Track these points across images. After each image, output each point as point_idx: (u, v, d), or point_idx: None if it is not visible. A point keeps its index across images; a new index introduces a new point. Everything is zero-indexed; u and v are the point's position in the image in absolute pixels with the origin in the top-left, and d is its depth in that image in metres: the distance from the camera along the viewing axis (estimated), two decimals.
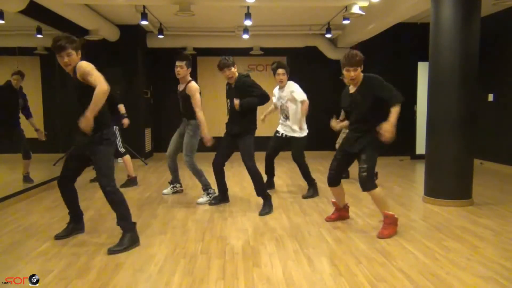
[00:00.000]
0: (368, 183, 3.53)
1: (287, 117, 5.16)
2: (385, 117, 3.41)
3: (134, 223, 3.43)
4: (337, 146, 6.18)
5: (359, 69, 3.54)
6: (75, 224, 3.66)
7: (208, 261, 3.00)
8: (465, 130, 4.56)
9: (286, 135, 5.19)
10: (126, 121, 5.95)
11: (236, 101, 4.35)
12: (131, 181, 5.93)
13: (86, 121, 3.02)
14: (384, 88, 3.50)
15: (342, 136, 6.06)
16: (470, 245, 3.32)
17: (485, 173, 6.61)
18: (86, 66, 3.15)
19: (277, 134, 5.30)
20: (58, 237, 3.54)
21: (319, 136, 9.19)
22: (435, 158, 4.68)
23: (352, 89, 3.68)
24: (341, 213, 4.08)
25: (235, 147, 4.53)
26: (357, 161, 3.69)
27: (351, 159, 3.83)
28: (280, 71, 5.13)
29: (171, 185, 5.42)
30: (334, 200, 4.06)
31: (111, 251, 3.18)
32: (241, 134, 4.41)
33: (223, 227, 3.88)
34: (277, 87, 5.29)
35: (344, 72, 3.58)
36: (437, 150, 4.66)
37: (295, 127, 5.10)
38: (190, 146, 4.87)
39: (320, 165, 7.81)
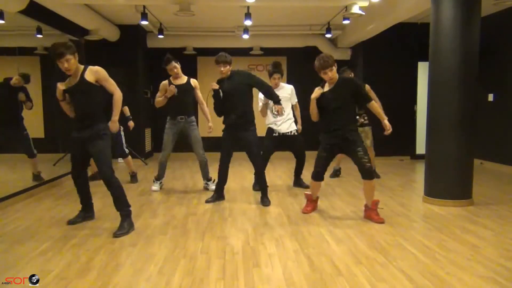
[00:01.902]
0: (372, 172, 4.02)
1: (277, 115, 5.33)
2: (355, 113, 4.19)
3: (131, 209, 3.78)
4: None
5: (334, 68, 3.93)
6: (86, 212, 4.02)
7: (208, 261, 3.01)
8: (465, 130, 4.56)
9: (292, 132, 5.42)
10: (131, 124, 6.07)
11: (279, 106, 4.70)
12: (135, 177, 6.18)
13: (114, 124, 3.66)
14: (356, 83, 4.09)
15: (366, 136, 6.11)
16: (470, 245, 3.32)
17: (485, 173, 6.61)
18: (104, 72, 3.60)
19: (274, 134, 5.35)
20: (70, 222, 3.91)
21: (318, 136, 9.21)
22: (435, 158, 4.68)
23: (325, 88, 4.07)
24: (314, 204, 4.46)
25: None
26: (351, 156, 4.02)
27: (333, 156, 4.27)
28: (277, 75, 5.40)
29: (159, 181, 5.56)
30: (308, 193, 4.43)
31: (117, 235, 3.53)
32: (246, 126, 4.65)
33: (223, 227, 3.88)
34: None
35: (322, 75, 3.95)
36: (437, 150, 4.66)
37: (294, 123, 5.43)
38: (201, 140, 5.30)
39: None
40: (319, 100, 4.07)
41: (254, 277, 2.73)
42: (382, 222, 3.92)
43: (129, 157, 6.18)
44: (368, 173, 3.93)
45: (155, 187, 5.51)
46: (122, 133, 6.06)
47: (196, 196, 5.16)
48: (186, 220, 4.09)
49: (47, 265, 2.94)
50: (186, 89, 5.20)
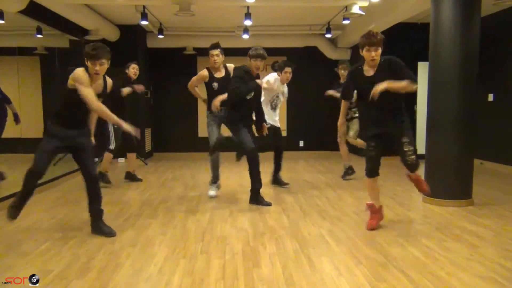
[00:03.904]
0: (416, 166, 3.62)
1: (275, 109, 5.58)
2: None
3: None
4: (339, 140, 6.17)
5: (380, 50, 3.44)
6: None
7: (208, 261, 3.00)
8: (465, 130, 4.56)
9: (273, 126, 5.52)
10: (140, 87, 6.12)
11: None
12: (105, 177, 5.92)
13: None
14: (404, 69, 3.45)
15: (351, 127, 6.11)
16: (470, 245, 3.32)
17: (485, 173, 6.61)
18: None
19: (268, 126, 5.32)
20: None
21: (319, 136, 9.22)
22: (435, 158, 4.68)
23: (368, 72, 3.55)
24: (380, 215, 3.82)
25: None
26: (397, 148, 3.62)
27: (382, 148, 3.70)
28: (289, 69, 5.65)
29: (216, 184, 5.17)
30: (369, 202, 3.80)
31: (112, 235, 3.58)
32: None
33: (223, 227, 3.88)
34: (275, 80, 5.59)
35: (365, 52, 3.46)
36: (437, 150, 4.66)
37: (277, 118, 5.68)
38: None
39: (320, 165, 7.81)
40: (357, 84, 3.64)
41: (254, 277, 2.73)
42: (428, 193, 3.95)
43: (109, 155, 5.94)
44: (413, 165, 3.59)
45: (213, 191, 5.08)
46: (112, 129, 5.85)
47: (196, 196, 5.16)
48: (186, 220, 4.09)
49: (47, 265, 2.94)
50: (224, 85, 4.88)
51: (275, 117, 5.60)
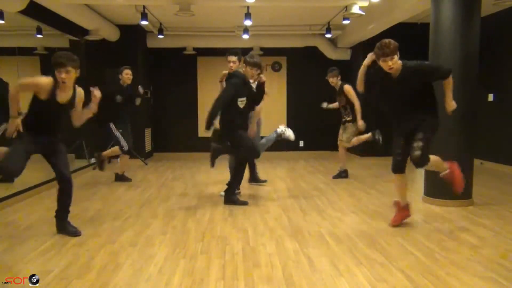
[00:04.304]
0: (422, 161, 3.60)
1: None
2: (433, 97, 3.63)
3: None
4: (339, 143, 6.20)
5: (396, 57, 3.48)
6: None
7: (208, 261, 3.00)
8: (465, 130, 4.55)
9: None
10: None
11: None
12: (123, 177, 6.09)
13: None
14: (429, 69, 3.58)
15: (345, 131, 6.13)
16: (470, 245, 3.32)
17: (485, 173, 6.60)
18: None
19: None
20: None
21: (319, 136, 9.22)
22: None
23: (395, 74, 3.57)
24: (406, 212, 3.88)
25: None
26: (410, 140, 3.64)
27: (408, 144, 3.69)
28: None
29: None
30: (396, 200, 3.89)
31: (77, 234, 3.56)
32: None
33: (223, 227, 3.88)
34: None
35: (381, 63, 3.52)
36: (437, 150, 4.64)
37: None
38: None
39: (320, 165, 7.81)
40: (383, 81, 3.66)
41: (254, 277, 2.73)
42: (461, 190, 3.84)
43: (125, 156, 6.07)
44: (414, 164, 3.60)
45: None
46: (114, 129, 5.89)
47: (196, 196, 5.16)
48: (186, 220, 4.09)
49: (47, 265, 2.94)
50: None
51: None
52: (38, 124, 3.53)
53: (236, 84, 4.58)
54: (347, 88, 5.96)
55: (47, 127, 3.57)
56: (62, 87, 3.43)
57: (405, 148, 3.67)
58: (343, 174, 6.32)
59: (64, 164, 3.64)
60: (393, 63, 3.46)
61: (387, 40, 3.50)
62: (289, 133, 5.16)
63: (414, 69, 3.54)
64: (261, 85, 4.73)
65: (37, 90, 3.40)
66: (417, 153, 3.52)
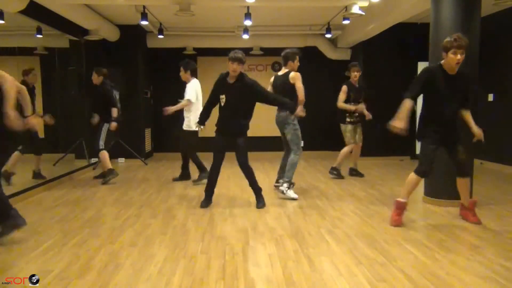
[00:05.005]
0: (467, 169, 3.88)
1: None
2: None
3: None
4: (352, 141, 6.20)
5: (464, 54, 3.59)
6: None
7: (208, 261, 3.00)
8: (465, 130, 4.54)
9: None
10: (113, 125, 6.02)
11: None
12: (110, 173, 5.91)
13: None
14: (471, 82, 3.89)
15: (351, 131, 6.15)
16: (470, 245, 3.32)
17: (485, 173, 6.61)
18: None
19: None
20: None
21: (321, 136, 9.21)
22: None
23: (451, 71, 3.67)
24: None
25: (229, 148, 4.54)
26: (450, 150, 3.85)
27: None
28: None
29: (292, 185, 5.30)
30: (401, 200, 3.93)
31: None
32: (241, 133, 4.50)
33: (223, 227, 3.88)
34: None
35: (450, 54, 3.59)
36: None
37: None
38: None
39: (320, 165, 7.81)
40: (437, 82, 3.68)
41: (254, 277, 2.73)
42: (479, 223, 3.84)
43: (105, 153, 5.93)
44: (461, 170, 3.82)
45: (291, 192, 5.03)
46: (104, 128, 5.95)
47: (196, 196, 5.15)
48: (186, 220, 4.09)
49: (47, 265, 2.94)
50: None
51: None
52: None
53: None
54: (345, 89, 6.14)
55: None
56: None
57: (436, 153, 3.79)
58: (335, 172, 6.36)
59: None
60: (462, 58, 3.59)
61: (461, 35, 3.62)
62: (289, 194, 5.08)
63: (466, 73, 3.79)
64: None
65: None
66: (463, 158, 3.78)
